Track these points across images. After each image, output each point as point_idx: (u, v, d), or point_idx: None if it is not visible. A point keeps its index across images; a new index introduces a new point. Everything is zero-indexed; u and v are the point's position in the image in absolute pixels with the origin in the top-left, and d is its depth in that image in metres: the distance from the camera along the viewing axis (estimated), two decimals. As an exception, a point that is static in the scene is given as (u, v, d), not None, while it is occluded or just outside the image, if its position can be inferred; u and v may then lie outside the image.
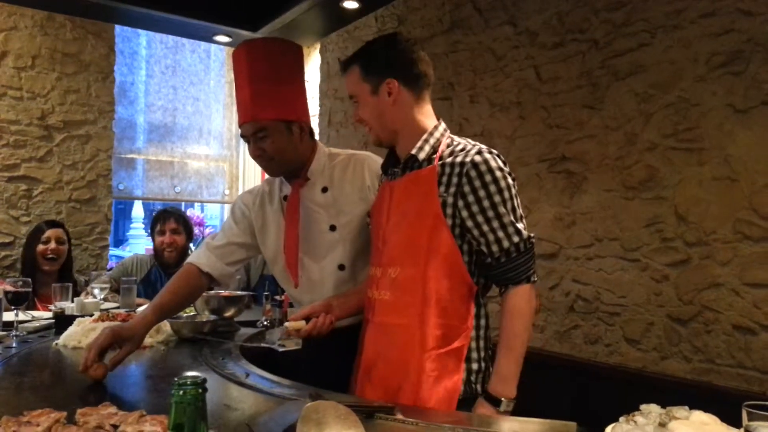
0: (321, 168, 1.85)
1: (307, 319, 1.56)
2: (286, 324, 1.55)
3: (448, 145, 1.52)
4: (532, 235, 1.45)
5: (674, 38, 2.34)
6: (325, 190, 1.83)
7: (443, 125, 1.58)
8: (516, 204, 1.45)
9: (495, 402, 1.39)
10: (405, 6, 3.72)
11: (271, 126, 1.72)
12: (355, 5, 3.84)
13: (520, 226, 1.43)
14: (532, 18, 2.91)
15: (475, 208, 1.42)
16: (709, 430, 1.01)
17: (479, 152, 1.45)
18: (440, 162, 1.48)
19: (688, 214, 2.28)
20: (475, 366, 1.47)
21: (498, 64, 3.07)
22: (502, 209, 1.41)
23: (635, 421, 1.06)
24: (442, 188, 1.45)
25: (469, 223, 1.43)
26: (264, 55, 1.78)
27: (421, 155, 1.50)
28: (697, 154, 2.26)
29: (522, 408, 1.42)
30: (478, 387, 1.47)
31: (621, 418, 1.10)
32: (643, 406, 1.11)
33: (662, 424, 1.04)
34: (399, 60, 1.54)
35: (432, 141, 1.53)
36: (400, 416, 1.20)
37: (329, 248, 1.81)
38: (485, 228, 1.42)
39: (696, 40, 2.28)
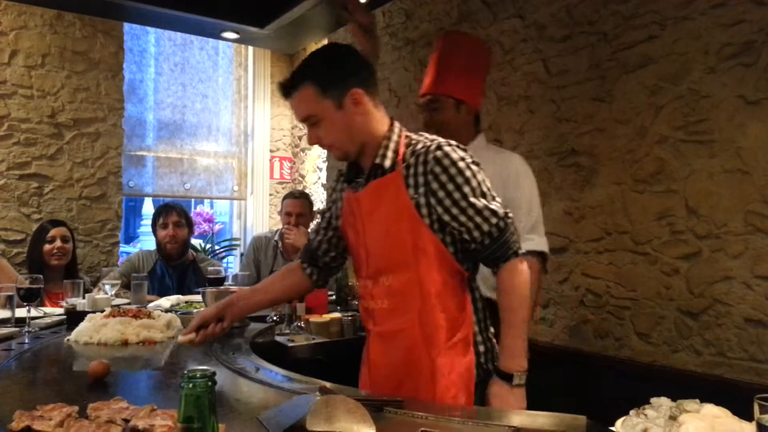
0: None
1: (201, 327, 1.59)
2: (179, 337, 1.59)
3: (407, 145, 1.51)
4: (507, 210, 1.46)
5: (684, 30, 2.32)
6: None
7: (397, 124, 1.56)
8: (485, 188, 1.45)
9: (507, 378, 1.42)
10: (412, 0, 3.71)
11: (443, 100, 2.06)
12: (362, 0, 3.83)
13: (493, 206, 1.44)
14: (540, 10, 2.89)
15: (447, 203, 1.43)
16: (721, 423, 1.00)
17: (439, 147, 1.44)
18: (404, 164, 1.47)
19: (698, 207, 2.26)
20: (482, 348, 1.52)
21: (506, 58, 3.06)
22: (473, 198, 1.42)
23: (646, 415, 1.06)
24: (411, 190, 1.45)
25: (446, 218, 1.44)
26: (457, 46, 2.14)
27: (387, 163, 1.49)
28: (707, 146, 2.24)
29: (532, 401, 1.43)
30: (490, 366, 1.51)
31: (631, 412, 1.09)
32: (653, 400, 1.10)
33: (673, 418, 1.03)
34: (356, 67, 1.51)
35: (392, 146, 1.51)
36: (408, 410, 1.20)
37: None
38: (462, 218, 1.43)
39: (706, 31, 2.26)
